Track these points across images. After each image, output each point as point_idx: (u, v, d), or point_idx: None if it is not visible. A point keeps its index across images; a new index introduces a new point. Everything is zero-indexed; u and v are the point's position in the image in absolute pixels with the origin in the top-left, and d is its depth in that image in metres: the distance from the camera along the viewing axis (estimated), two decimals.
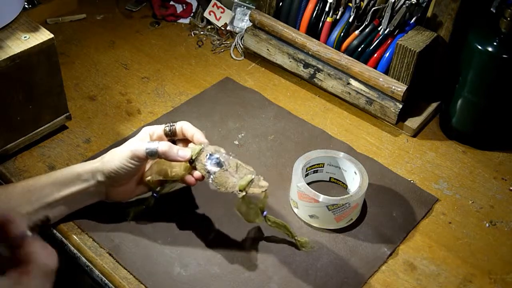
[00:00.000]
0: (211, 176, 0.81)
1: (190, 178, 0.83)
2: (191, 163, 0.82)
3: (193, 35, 1.28)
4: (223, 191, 0.81)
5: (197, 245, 0.86)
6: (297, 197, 0.89)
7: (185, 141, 0.87)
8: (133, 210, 0.87)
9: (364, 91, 1.08)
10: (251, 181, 0.80)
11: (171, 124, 0.86)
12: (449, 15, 1.03)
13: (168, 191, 0.88)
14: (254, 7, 1.21)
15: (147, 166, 0.86)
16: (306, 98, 1.15)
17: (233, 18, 1.27)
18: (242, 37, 1.23)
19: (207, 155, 0.82)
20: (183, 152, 0.82)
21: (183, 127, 0.86)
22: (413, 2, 1.03)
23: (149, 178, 0.85)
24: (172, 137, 0.86)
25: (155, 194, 0.87)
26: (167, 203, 0.91)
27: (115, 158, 0.81)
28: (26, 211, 0.79)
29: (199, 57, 1.22)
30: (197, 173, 0.83)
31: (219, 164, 0.81)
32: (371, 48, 1.07)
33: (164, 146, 0.81)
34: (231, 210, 0.83)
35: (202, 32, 1.28)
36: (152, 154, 0.81)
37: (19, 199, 0.79)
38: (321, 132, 1.06)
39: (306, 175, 0.94)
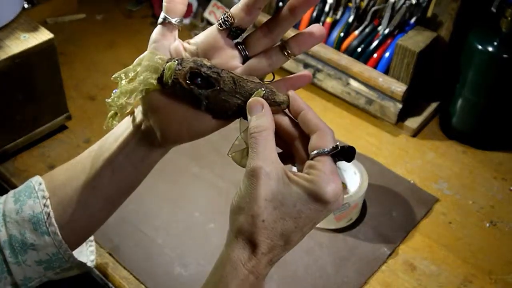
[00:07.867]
0: (203, 103, 0.57)
1: None
2: (164, 86, 0.57)
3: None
4: (224, 118, 0.59)
5: (197, 245, 0.86)
6: None
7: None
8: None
9: (363, 91, 1.08)
10: (263, 97, 0.57)
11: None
12: (449, 15, 1.02)
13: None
14: None
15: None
16: (306, 98, 1.13)
17: None
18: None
19: (187, 73, 0.56)
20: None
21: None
22: (413, 2, 1.03)
23: None
24: None
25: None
26: (167, 203, 0.91)
27: None
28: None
29: None
30: None
31: (209, 82, 0.57)
32: (371, 48, 1.07)
33: None
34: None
35: None
36: None
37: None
38: None
39: None
